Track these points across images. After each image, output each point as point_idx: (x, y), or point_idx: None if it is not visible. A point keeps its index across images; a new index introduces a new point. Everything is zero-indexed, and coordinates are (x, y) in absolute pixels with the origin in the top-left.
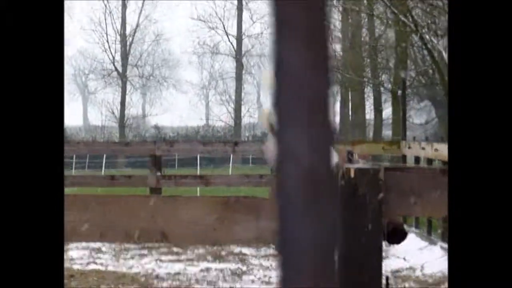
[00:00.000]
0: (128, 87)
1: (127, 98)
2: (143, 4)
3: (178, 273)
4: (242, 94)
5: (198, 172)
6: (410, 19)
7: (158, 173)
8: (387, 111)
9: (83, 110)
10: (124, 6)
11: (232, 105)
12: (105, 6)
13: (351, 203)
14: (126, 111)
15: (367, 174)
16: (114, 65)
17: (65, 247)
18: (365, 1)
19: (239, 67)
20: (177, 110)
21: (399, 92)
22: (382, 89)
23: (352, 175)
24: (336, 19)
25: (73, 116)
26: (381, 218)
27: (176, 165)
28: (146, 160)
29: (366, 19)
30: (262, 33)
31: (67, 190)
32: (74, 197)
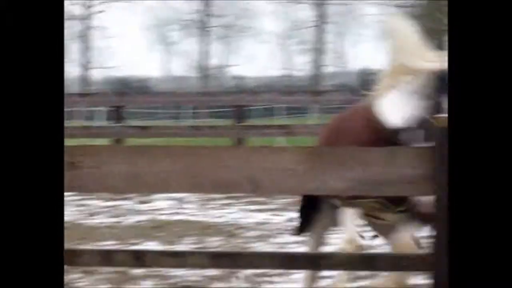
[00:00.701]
0: (209, 37)
1: (208, 48)
2: None
3: (264, 223)
4: (324, 43)
5: (281, 122)
6: None
7: (241, 123)
8: None
9: (163, 61)
10: None
11: (312, 55)
12: None
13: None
14: (208, 62)
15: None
16: (196, 15)
17: (152, 197)
18: None
19: (321, 15)
20: (258, 60)
21: None
22: None
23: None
24: None
25: (154, 67)
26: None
27: (258, 115)
28: (229, 111)
29: None
30: None
31: (151, 141)
32: (165, 148)
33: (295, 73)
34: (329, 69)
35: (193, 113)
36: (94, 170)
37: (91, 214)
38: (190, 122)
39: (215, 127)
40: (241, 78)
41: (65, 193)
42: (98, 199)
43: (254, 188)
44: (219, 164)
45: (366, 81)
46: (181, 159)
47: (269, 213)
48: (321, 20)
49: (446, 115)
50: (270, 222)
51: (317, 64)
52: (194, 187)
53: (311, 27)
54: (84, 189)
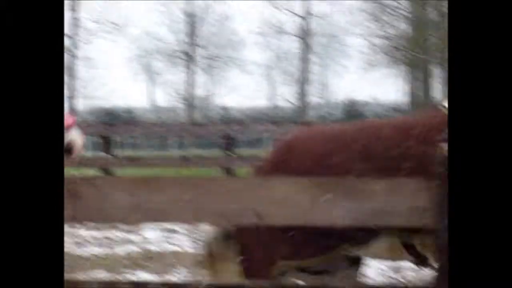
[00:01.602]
0: (194, 68)
1: (194, 78)
2: None
3: None
4: (308, 74)
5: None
6: None
7: (231, 154)
8: None
9: (148, 91)
10: None
11: (297, 86)
12: None
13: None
14: (193, 92)
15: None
16: (181, 45)
17: (141, 227)
18: None
19: (305, 47)
20: (242, 90)
21: None
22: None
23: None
24: None
25: (138, 97)
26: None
27: (246, 145)
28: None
29: None
30: (328, 13)
31: (141, 172)
32: (167, 178)
33: (280, 103)
34: (314, 99)
35: (179, 143)
36: (96, 200)
37: (81, 244)
38: (176, 152)
39: (203, 157)
40: (226, 108)
41: (66, 224)
42: (87, 228)
43: (258, 219)
44: (222, 195)
45: (351, 112)
46: (184, 189)
47: None
48: (306, 51)
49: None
50: None
51: (302, 95)
52: (197, 217)
53: (295, 58)
54: (86, 219)
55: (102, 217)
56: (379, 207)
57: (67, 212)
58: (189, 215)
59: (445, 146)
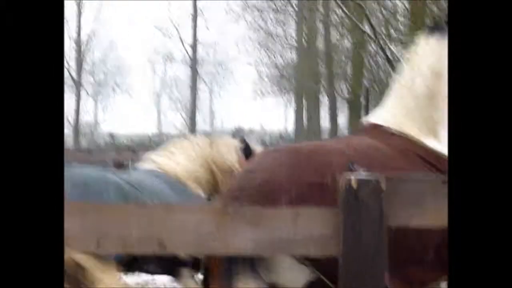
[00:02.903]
0: (82, 94)
1: (81, 105)
2: (98, 11)
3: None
4: (196, 101)
5: None
6: (368, 27)
7: None
8: (342, 120)
9: None
10: (79, 13)
11: (186, 113)
12: None
13: (352, 212)
14: (80, 118)
15: (369, 184)
16: (68, 71)
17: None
18: (321, 9)
19: (194, 74)
20: (130, 117)
21: (362, 100)
22: (338, 97)
23: (354, 185)
24: (291, 26)
25: None
26: (382, 227)
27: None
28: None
29: (322, 27)
30: (216, 41)
31: None
32: (67, 204)
33: (169, 130)
34: (202, 127)
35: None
36: None
37: None
38: None
39: None
40: (113, 135)
41: None
42: None
43: (160, 247)
44: (125, 222)
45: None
46: (86, 216)
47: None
48: (194, 78)
49: (352, 176)
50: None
51: (191, 122)
52: (101, 245)
53: (183, 85)
54: None
55: None
56: (282, 235)
57: None
58: (92, 242)
59: (348, 175)
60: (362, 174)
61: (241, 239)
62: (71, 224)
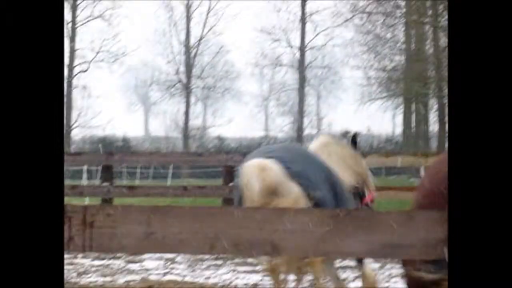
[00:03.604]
0: (191, 98)
1: (190, 109)
2: (207, 16)
3: (256, 284)
4: (304, 105)
5: None
6: None
7: (231, 183)
8: None
9: (144, 121)
10: (188, 18)
11: (294, 117)
12: (170, 18)
13: None
14: (189, 122)
15: None
16: (178, 76)
17: (141, 257)
18: (429, 13)
19: (301, 78)
20: (238, 121)
21: None
22: (447, 101)
23: None
24: (400, 30)
25: (134, 127)
26: None
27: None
28: (210, 171)
29: (431, 31)
30: (324, 45)
31: (141, 200)
32: (180, 208)
33: (276, 134)
34: (308, 131)
35: (173, 173)
36: (110, 229)
37: (82, 273)
38: (173, 182)
39: (203, 187)
40: (222, 139)
41: (80, 254)
42: (87, 257)
43: (273, 249)
44: (238, 225)
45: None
46: (198, 219)
47: (261, 274)
48: (302, 82)
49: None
50: (264, 284)
51: (297, 126)
52: (212, 248)
53: (291, 89)
54: (100, 248)
55: (116, 246)
56: (394, 239)
57: (80, 240)
58: (203, 246)
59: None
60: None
61: (355, 242)
62: (181, 229)
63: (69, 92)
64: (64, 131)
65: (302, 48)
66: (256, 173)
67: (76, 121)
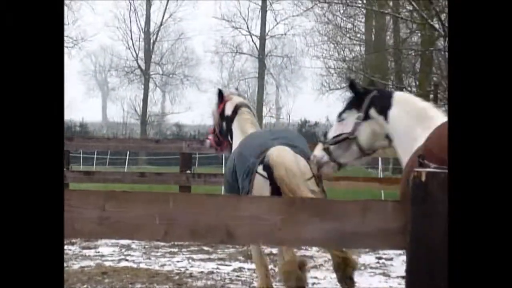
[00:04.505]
0: (150, 85)
1: (149, 95)
2: (167, 2)
3: (211, 272)
4: (264, 94)
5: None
6: (439, 23)
7: (188, 171)
8: None
9: (102, 106)
10: (148, 4)
11: (253, 105)
12: (130, 3)
13: (421, 206)
14: (148, 109)
15: (438, 178)
16: (137, 62)
17: (96, 243)
18: (390, 3)
19: (261, 67)
20: (197, 108)
21: (431, 96)
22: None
23: (423, 178)
24: (360, 20)
25: (92, 112)
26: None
27: (203, 163)
28: (167, 158)
29: (391, 22)
30: (285, 34)
31: (98, 186)
32: (137, 193)
33: None
34: (267, 120)
35: (130, 159)
36: (65, 214)
37: None
38: (130, 168)
39: (160, 173)
40: (180, 126)
41: None
42: None
43: (228, 236)
44: (194, 212)
45: (302, 132)
46: (153, 204)
47: (216, 262)
48: (261, 71)
49: (424, 169)
50: (218, 271)
51: (256, 114)
52: (168, 234)
53: (250, 78)
54: None
55: (72, 232)
56: (352, 228)
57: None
58: (158, 232)
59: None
60: (431, 167)
61: (311, 231)
62: (136, 214)
63: None
64: None
65: (263, 37)
66: (294, 160)
67: None
